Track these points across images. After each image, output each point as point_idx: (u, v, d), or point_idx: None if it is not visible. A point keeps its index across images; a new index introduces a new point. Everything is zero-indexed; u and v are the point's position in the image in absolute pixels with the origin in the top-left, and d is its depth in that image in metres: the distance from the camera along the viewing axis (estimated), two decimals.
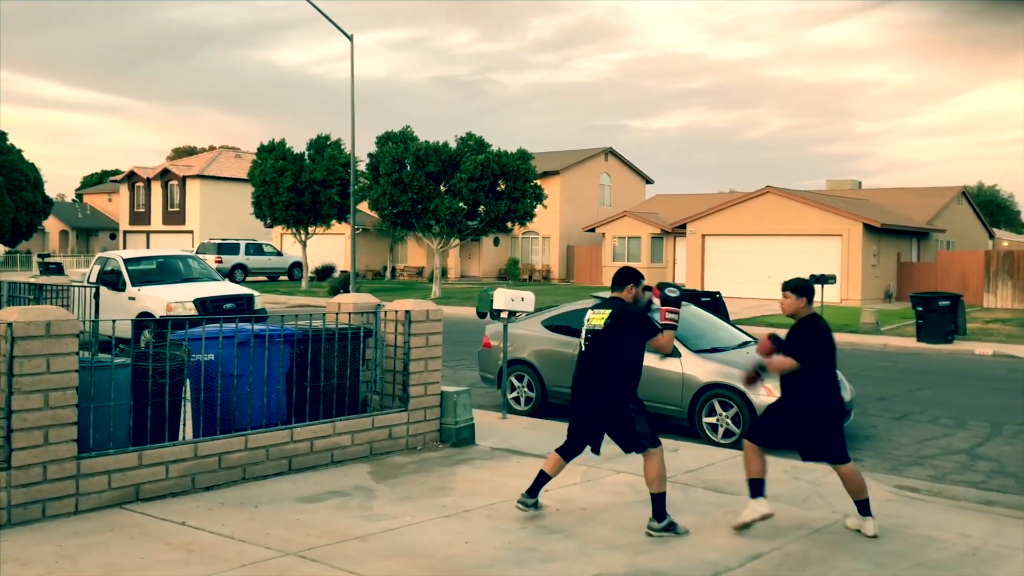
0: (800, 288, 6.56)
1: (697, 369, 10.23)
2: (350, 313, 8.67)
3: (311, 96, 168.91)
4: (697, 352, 10.39)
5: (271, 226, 43.04)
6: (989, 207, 71.53)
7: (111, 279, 16.98)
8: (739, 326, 12.88)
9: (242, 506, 6.68)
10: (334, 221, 41.04)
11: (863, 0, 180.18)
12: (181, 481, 6.91)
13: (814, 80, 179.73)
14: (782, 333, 6.76)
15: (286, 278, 46.42)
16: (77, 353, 6.26)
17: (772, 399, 7.34)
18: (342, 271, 44.39)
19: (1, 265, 60.41)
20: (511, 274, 48.20)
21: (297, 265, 46.03)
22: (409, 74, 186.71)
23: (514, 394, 11.78)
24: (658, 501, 6.26)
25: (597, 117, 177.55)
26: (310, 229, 40.92)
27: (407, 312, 8.62)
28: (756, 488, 6.42)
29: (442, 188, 34.89)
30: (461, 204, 34.45)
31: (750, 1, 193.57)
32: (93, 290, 14.41)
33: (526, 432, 9.72)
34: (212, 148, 74.30)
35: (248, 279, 42.84)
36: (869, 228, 34.13)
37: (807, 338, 6.42)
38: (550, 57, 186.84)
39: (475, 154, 34.17)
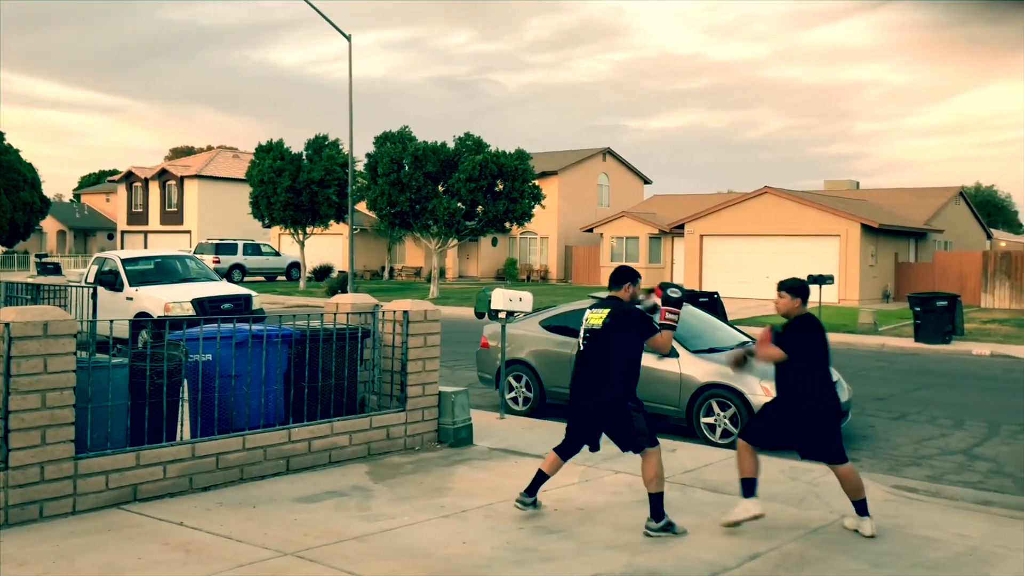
0: (795, 288, 6.58)
1: (695, 369, 10.24)
2: (348, 313, 8.67)
3: (309, 96, 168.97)
4: (695, 352, 10.40)
5: (269, 226, 43.03)
6: (987, 207, 71.63)
7: (109, 279, 16.97)
8: (737, 326, 12.89)
9: (240, 506, 6.68)
10: (332, 221, 41.02)
11: (862, 0, 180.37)
12: (179, 481, 6.91)
13: (812, 80, 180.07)
14: None
15: (284, 278, 46.41)
16: (75, 353, 6.26)
17: (769, 399, 7.36)
18: (340, 271, 44.33)
19: None
20: (509, 274, 48.20)
21: (295, 265, 46.00)
22: (407, 74, 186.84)
23: (512, 394, 11.78)
24: (656, 501, 6.27)
25: (595, 117, 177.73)
26: (308, 229, 40.89)
27: (405, 312, 8.62)
28: (748, 488, 6.43)
29: (440, 188, 34.90)
30: (459, 204, 34.46)
31: (749, 1, 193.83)
32: (91, 290, 14.41)
33: (524, 432, 9.72)
34: (210, 148, 74.24)
35: (246, 279, 42.83)
36: (867, 228, 34.16)
37: (800, 337, 6.44)
38: (548, 57, 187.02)
39: (473, 154, 34.18)
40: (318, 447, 7.88)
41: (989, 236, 50.68)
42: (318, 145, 40.09)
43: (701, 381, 10.14)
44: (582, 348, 6.57)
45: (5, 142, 57.19)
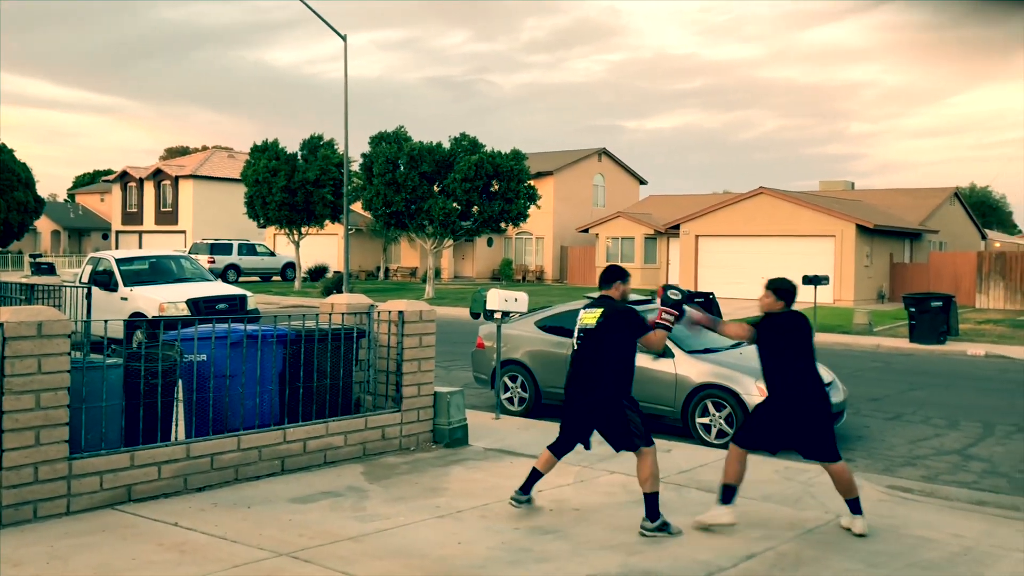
0: (781, 290, 6.58)
1: (690, 369, 10.24)
2: (343, 313, 8.66)
3: (305, 96, 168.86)
4: (690, 352, 10.40)
5: (264, 226, 42.98)
6: (981, 208, 71.83)
7: (103, 279, 16.92)
8: None
9: (235, 507, 6.67)
10: (327, 221, 40.98)
11: (856, 1, 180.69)
12: (173, 482, 6.89)
13: (807, 81, 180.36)
14: None
15: (279, 278, 46.34)
16: (69, 353, 6.24)
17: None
18: (335, 271, 44.30)
19: None
20: (504, 275, 48.20)
21: (290, 265, 45.94)
22: (403, 74, 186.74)
23: (507, 395, 11.78)
24: (651, 501, 6.27)
25: (591, 118, 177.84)
26: (303, 229, 40.85)
27: (400, 312, 8.61)
28: (727, 495, 6.43)
29: (436, 188, 34.88)
30: (455, 204, 34.44)
31: (744, 2, 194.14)
32: (85, 290, 14.39)
33: (519, 432, 9.72)
34: (205, 148, 74.20)
35: (241, 279, 42.73)
36: (862, 229, 34.22)
37: (775, 335, 6.46)
38: (544, 57, 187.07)
39: (469, 154, 34.16)
40: (313, 447, 7.87)
41: (984, 237, 50.81)
42: (313, 145, 40.05)
43: (696, 381, 10.15)
44: (576, 348, 6.58)
45: None
